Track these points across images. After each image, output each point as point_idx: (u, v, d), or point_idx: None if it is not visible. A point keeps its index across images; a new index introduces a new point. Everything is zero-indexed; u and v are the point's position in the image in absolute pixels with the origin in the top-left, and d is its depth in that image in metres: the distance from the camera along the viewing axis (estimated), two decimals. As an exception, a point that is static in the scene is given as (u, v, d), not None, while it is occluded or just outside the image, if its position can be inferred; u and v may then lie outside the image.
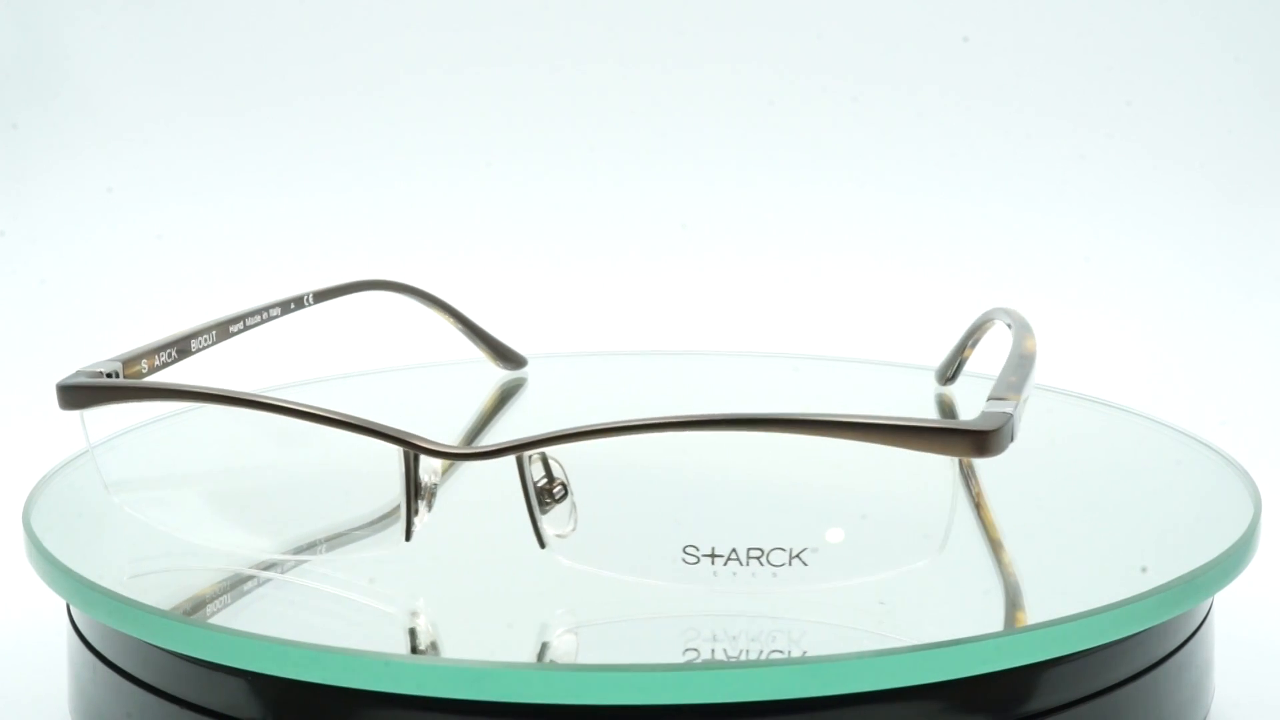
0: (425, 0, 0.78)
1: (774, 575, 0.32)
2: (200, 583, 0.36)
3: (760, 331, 0.70)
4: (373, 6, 0.78)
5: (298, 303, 0.50)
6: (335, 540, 0.38)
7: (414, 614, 0.35)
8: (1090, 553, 0.37)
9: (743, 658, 0.31)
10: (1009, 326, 0.44)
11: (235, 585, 0.36)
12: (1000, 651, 0.31)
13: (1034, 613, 0.33)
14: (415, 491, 0.33)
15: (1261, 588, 0.45)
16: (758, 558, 0.33)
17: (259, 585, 0.36)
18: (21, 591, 0.44)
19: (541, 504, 0.33)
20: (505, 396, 0.53)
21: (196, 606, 0.35)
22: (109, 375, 0.39)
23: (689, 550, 0.33)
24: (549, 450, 0.33)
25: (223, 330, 0.46)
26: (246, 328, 0.47)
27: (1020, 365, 0.37)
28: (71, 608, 0.37)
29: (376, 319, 0.62)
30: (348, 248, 0.75)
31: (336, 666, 0.30)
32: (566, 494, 0.33)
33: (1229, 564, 0.35)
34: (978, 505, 0.41)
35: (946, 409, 0.48)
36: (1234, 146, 0.74)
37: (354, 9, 0.78)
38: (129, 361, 0.42)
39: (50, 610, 0.41)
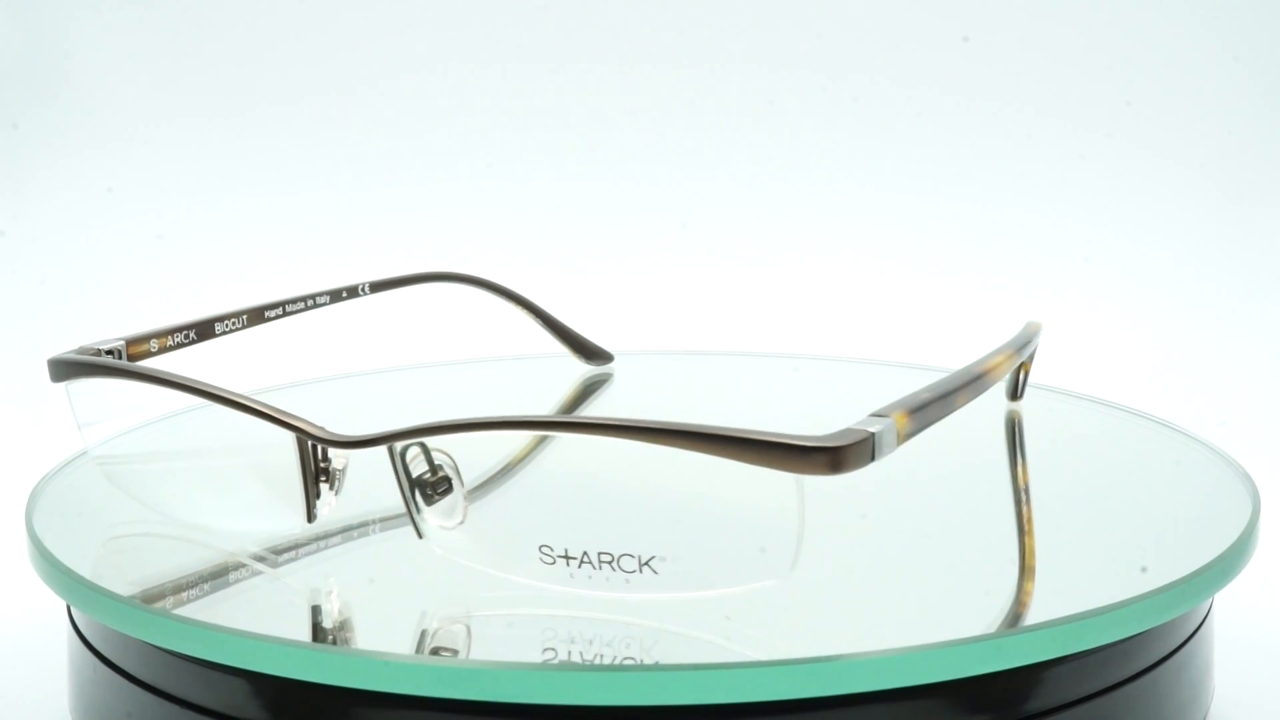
0: (425, 0, 0.78)
1: (626, 581, 0.32)
2: (199, 580, 0.36)
3: (760, 331, 0.70)
4: (373, 6, 0.78)
5: (350, 292, 0.49)
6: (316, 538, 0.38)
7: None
8: (1090, 553, 0.37)
9: (597, 661, 0.31)
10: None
11: (233, 583, 0.36)
12: (1000, 651, 0.31)
13: (1034, 613, 0.33)
14: (314, 475, 0.35)
15: (1261, 587, 0.45)
16: (609, 562, 0.32)
17: (252, 577, 0.36)
18: (22, 592, 0.44)
19: (426, 495, 0.33)
20: (589, 391, 0.53)
21: (180, 591, 0.35)
22: (109, 353, 0.40)
23: (544, 550, 0.33)
24: (429, 442, 0.33)
25: (256, 315, 0.46)
26: (286, 314, 0.47)
27: (946, 383, 0.35)
28: (72, 608, 0.37)
29: (433, 311, 0.62)
30: (348, 247, 0.75)
31: (336, 666, 0.30)
32: (450, 486, 0.33)
33: (1228, 564, 0.35)
34: (1023, 501, 0.41)
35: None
36: (1234, 146, 0.74)
37: (354, 9, 0.78)
38: (136, 340, 0.42)
39: (51, 610, 0.41)
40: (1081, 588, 0.35)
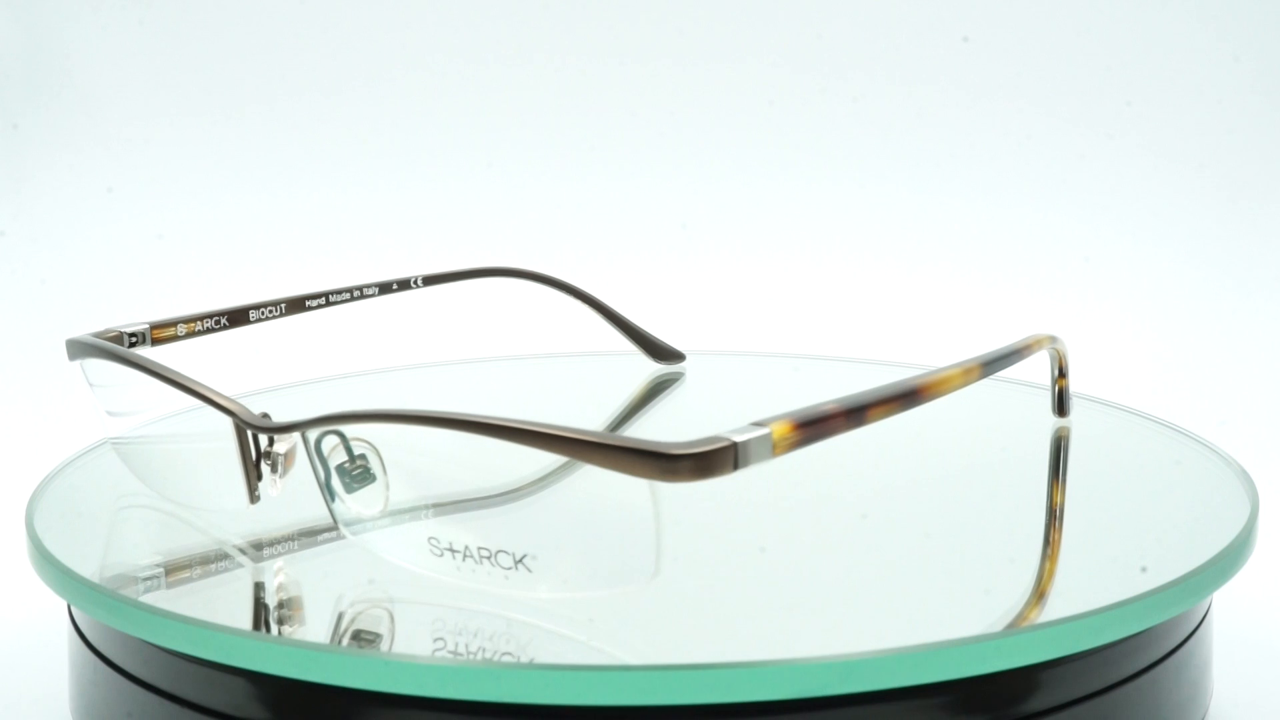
0: (425, 0, 0.78)
1: (506, 578, 0.33)
2: (200, 579, 0.36)
3: (760, 331, 0.70)
4: (372, 6, 0.78)
5: (401, 284, 0.49)
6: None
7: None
8: (1090, 552, 0.37)
9: (479, 655, 0.31)
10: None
11: (234, 583, 0.36)
12: (1000, 651, 0.31)
13: (1034, 612, 0.33)
14: (253, 459, 0.35)
15: (1260, 587, 0.45)
16: (488, 558, 0.33)
17: (251, 578, 0.36)
18: (23, 591, 0.44)
19: (346, 484, 0.34)
20: (657, 389, 0.52)
21: (180, 590, 0.35)
22: (133, 336, 0.42)
23: (432, 541, 0.33)
24: (349, 431, 0.33)
25: (295, 304, 0.46)
26: (329, 303, 0.47)
27: (863, 396, 0.34)
28: (72, 608, 0.37)
29: (494, 307, 0.62)
30: (347, 247, 0.75)
31: (336, 666, 0.30)
32: (367, 475, 0.34)
33: (1227, 563, 0.35)
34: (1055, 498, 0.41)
35: (1120, 504, 0.42)
36: (1234, 146, 0.74)
37: (354, 9, 0.78)
38: (162, 324, 0.43)
39: (51, 610, 0.41)
40: (1081, 588, 0.35)
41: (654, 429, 0.48)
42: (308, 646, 0.31)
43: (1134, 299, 0.72)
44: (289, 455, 0.35)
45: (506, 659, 0.31)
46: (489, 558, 0.33)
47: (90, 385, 0.40)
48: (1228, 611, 0.42)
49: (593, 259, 0.75)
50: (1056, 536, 0.38)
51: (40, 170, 0.75)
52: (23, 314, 0.71)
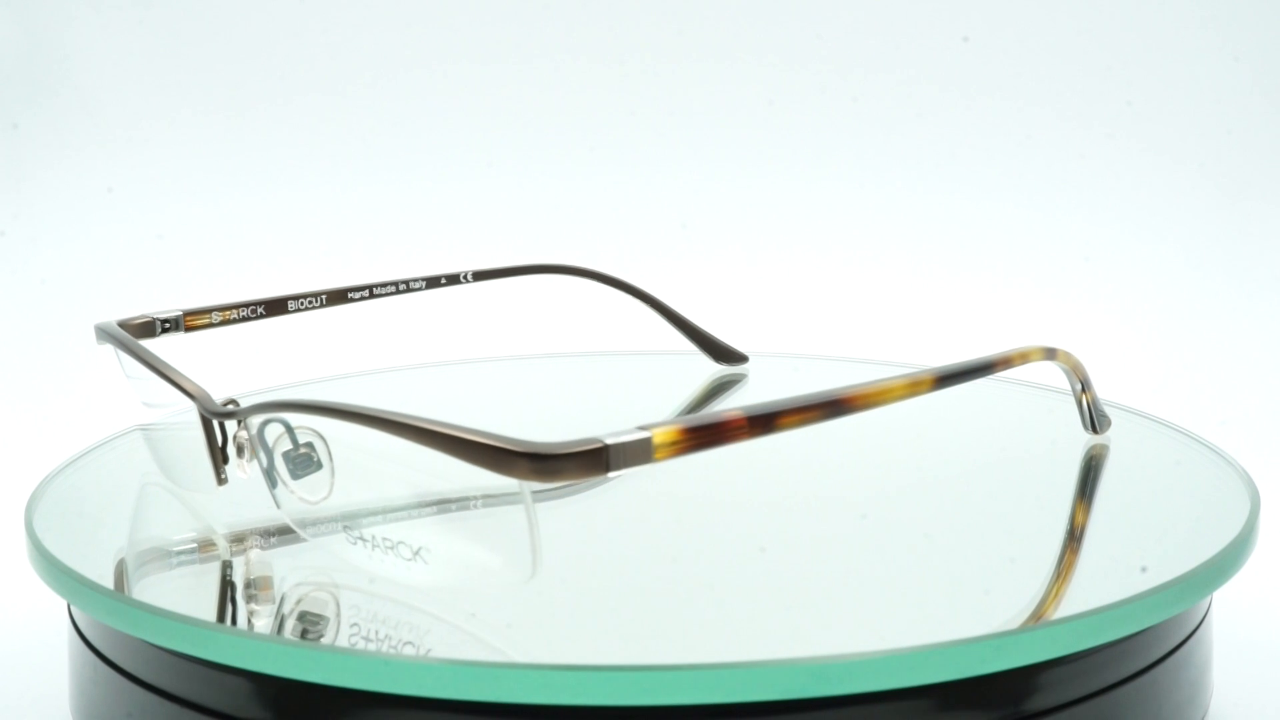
0: (426, 0, 0.78)
1: (408, 568, 0.33)
2: (199, 579, 0.36)
3: (760, 331, 0.70)
4: (372, 6, 0.78)
5: (451, 279, 0.49)
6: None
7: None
8: (1090, 552, 0.37)
9: (382, 644, 0.32)
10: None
11: (233, 582, 0.36)
12: (1000, 651, 0.31)
13: (1034, 612, 0.33)
14: (219, 443, 0.36)
15: (1260, 587, 0.45)
16: (390, 548, 0.33)
17: (254, 581, 0.36)
18: (22, 591, 0.44)
19: (291, 470, 0.35)
20: (717, 391, 0.52)
21: (180, 590, 0.35)
22: (166, 322, 0.43)
23: (348, 528, 0.34)
24: (293, 420, 0.34)
25: (337, 296, 0.46)
26: (372, 296, 0.47)
27: (762, 407, 0.33)
28: (72, 608, 0.37)
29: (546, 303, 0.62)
30: (347, 247, 0.75)
31: (336, 666, 0.30)
32: (311, 462, 0.34)
33: (1226, 563, 0.35)
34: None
35: (1116, 526, 0.41)
36: (1234, 146, 0.74)
37: (353, 8, 0.78)
38: (196, 312, 0.43)
39: (51, 610, 0.41)
40: (1081, 587, 0.35)
41: (820, 447, 0.47)
42: (308, 647, 0.31)
43: (1134, 299, 0.72)
44: (253, 440, 0.35)
45: (408, 649, 0.31)
46: (392, 548, 0.33)
47: (126, 378, 0.41)
48: (1228, 611, 0.42)
49: (592, 259, 0.75)
50: (1056, 537, 0.38)
51: (40, 170, 0.75)
52: (23, 314, 0.71)
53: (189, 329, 0.44)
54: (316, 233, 0.75)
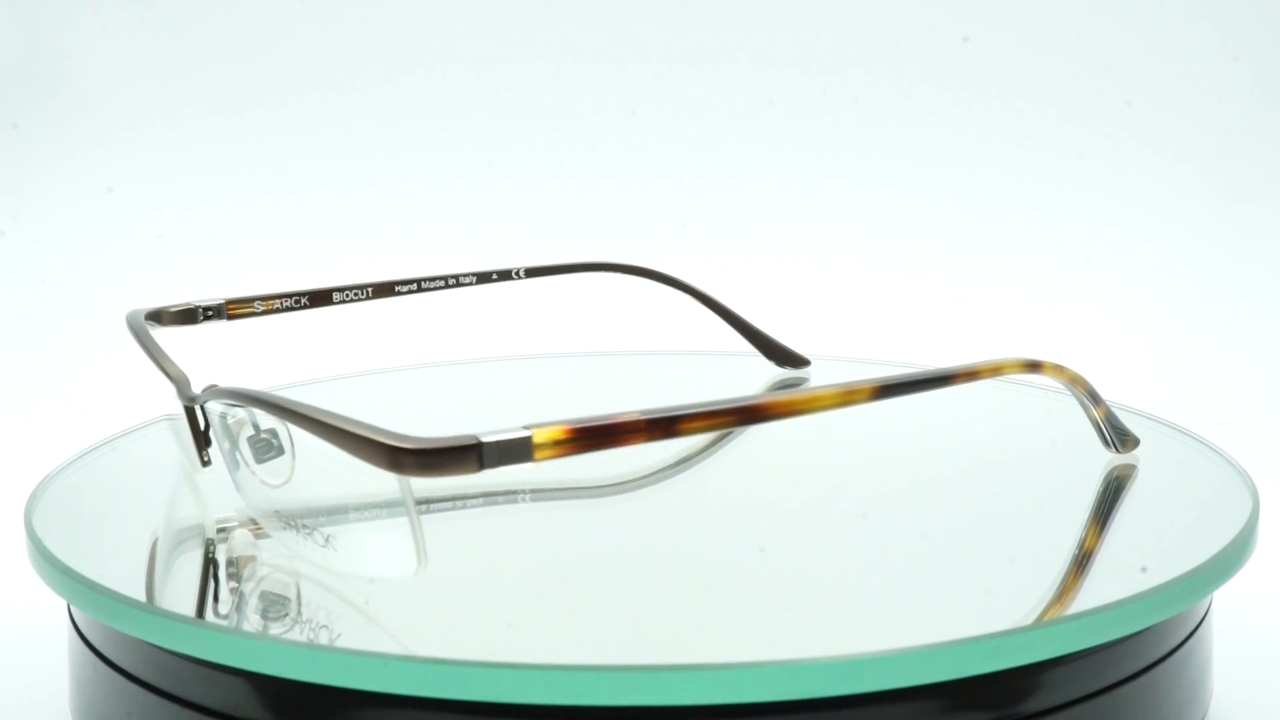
0: (426, 0, 0.78)
1: (324, 554, 0.34)
2: (200, 578, 0.36)
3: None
4: (372, 6, 0.78)
5: (502, 275, 0.48)
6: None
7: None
8: (1090, 552, 0.37)
9: (293, 629, 0.33)
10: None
11: (234, 582, 0.36)
12: (1000, 651, 0.31)
13: (1033, 612, 0.33)
14: (199, 427, 0.37)
15: (1260, 587, 0.45)
16: (309, 533, 0.34)
17: (251, 576, 0.36)
18: (22, 592, 0.44)
19: (256, 454, 0.36)
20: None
21: (180, 590, 0.35)
22: (208, 310, 0.44)
23: (279, 513, 0.35)
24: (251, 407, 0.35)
25: (384, 288, 0.46)
26: (420, 289, 0.47)
27: (661, 411, 0.32)
28: (72, 608, 0.37)
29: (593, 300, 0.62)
30: (348, 247, 0.75)
31: (336, 666, 0.30)
32: (273, 447, 0.35)
33: (1227, 563, 0.35)
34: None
35: (1121, 504, 0.41)
36: (1234, 146, 0.74)
37: (353, 8, 0.78)
38: (239, 301, 0.44)
39: (51, 610, 0.41)
40: (1082, 587, 0.35)
41: (746, 441, 0.47)
42: (308, 647, 0.31)
43: (1134, 299, 0.72)
44: (215, 426, 0.37)
45: (323, 631, 0.32)
46: (309, 533, 0.34)
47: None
48: (1228, 611, 0.42)
49: (592, 259, 0.75)
50: (1057, 536, 0.38)
51: (40, 170, 0.75)
52: (23, 314, 0.71)
53: (231, 317, 0.44)
54: (317, 233, 0.75)
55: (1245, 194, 0.74)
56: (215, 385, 0.36)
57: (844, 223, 0.76)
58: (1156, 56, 0.76)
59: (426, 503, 0.40)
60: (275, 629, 0.33)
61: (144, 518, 0.41)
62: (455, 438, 0.30)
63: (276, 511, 0.35)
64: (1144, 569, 0.35)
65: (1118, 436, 0.42)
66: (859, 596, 0.35)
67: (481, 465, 0.30)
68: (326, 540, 0.34)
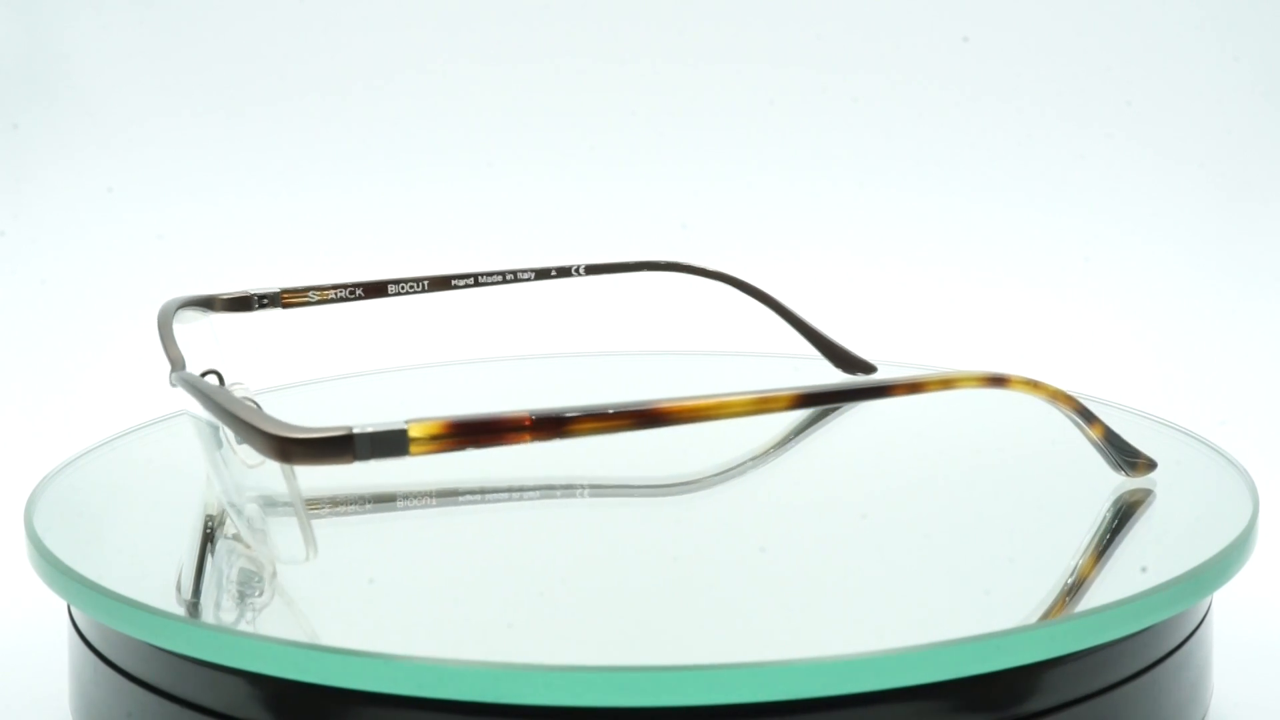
0: (426, 0, 0.78)
1: (251, 542, 0.36)
2: (199, 579, 0.36)
3: (760, 332, 0.70)
4: (372, 5, 0.78)
5: (561, 271, 0.48)
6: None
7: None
8: (1090, 552, 0.37)
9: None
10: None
11: (233, 582, 0.36)
12: (1000, 651, 0.31)
13: (1033, 612, 0.33)
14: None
15: (1260, 587, 0.45)
16: (243, 518, 0.36)
17: (251, 575, 0.36)
18: (22, 592, 0.44)
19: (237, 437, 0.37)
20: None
21: (179, 590, 0.36)
22: (263, 298, 0.44)
23: (232, 504, 0.37)
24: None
25: (439, 282, 0.46)
26: (478, 284, 0.47)
27: (549, 411, 0.32)
28: (72, 608, 0.37)
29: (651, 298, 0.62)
30: (348, 247, 0.75)
31: (336, 666, 0.30)
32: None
33: (1227, 563, 0.35)
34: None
35: (1120, 504, 0.40)
36: (1234, 146, 0.74)
37: (353, 8, 0.78)
38: (294, 290, 0.45)
39: (51, 610, 0.41)
40: (1082, 587, 0.35)
41: (821, 448, 0.47)
42: (308, 647, 0.31)
43: (1134, 299, 0.72)
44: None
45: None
46: (243, 518, 0.36)
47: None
48: (1228, 611, 0.42)
49: (592, 260, 0.75)
50: (1056, 537, 0.38)
51: (40, 170, 0.75)
52: (23, 314, 0.71)
53: (286, 305, 0.45)
54: (317, 233, 0.75)
55: (1245, 194, 0.74)
56: (214, 371, 0.38)
57: (844, 223, 0.76)
58: (1156, 56, 0.76)
59: (482, 492, 0.41)
60: (254, 606, 0.34)
61: (144, 518, 0.41)
62: (330, 428, 0.31)
63: (247, 494, 0.36)
64: (1144, 569, 0.35)
65: (1124, 459, 0.39)
66: (859, 596, 0.35)
67: (355, 456, 0.30)
68: (249, 523, 0.35)
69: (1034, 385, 0.37)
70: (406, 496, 0.41)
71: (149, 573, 0.37)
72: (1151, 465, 0.39)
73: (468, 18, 0.77)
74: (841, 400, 0.34)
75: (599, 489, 0.42)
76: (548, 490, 0.42)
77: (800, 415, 0.48)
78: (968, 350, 0.68)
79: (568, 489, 0.42)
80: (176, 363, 0.37)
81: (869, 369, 0.50)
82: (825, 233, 0.76)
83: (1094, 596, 0.34)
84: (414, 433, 0.31)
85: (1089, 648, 0.32)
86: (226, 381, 0.40)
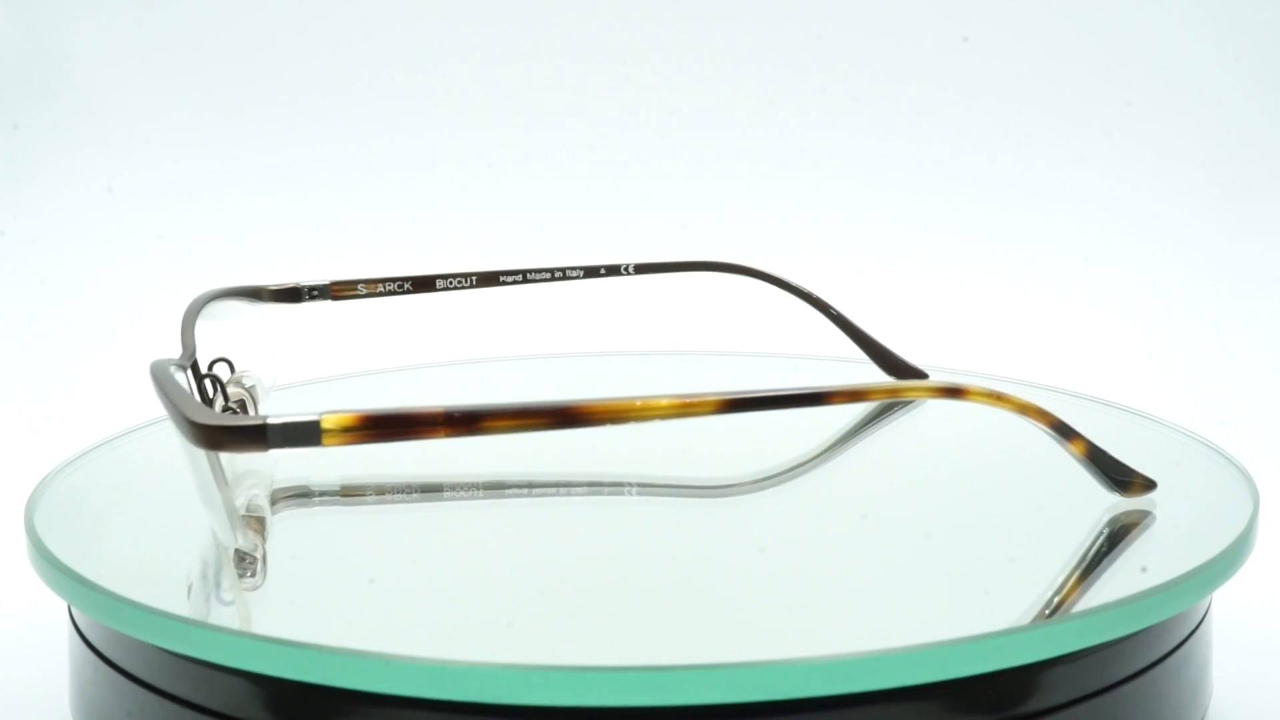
0: (426, 0, 0.78)
1: (210, 520, 0.36)
2: (199, 579, 0.36)
3: (760, 331, 0.70)
4: (373, 5, 0.78)
5: (610, 270, 0.48)
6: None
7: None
8: (1090, 552, 0.37)
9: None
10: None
11: (234, 581, 0.36)
12: (1000, 651, 0.31)
13: (1033, 612, 0.33)
14: (208, 394, 0.39)
15: (1260, 587, 0.45)
16: (210, 507, 0.36)
17: (250, 576, 0.36)
18: (22, 592, 0.44)
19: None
20: (889, 408, 0.48)
21: (180, 590, 0.36)
22: (312, 290, 0.46)
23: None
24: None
25: (488, 278, 0.47)
26: (526, 280, 0.47)
27: (466, 408, 0.32)
28: (72, 608, 0.37)
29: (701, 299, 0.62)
30: (349, 247, 0.75)
31: (336, 666, 0.30)
32: (237, 416, 0.36)
33: (1227, 563, 0.35)
34: None
35: (1116, 526, 0.38)
36: (1234, 146, 0.74)
37: (353, 8, 0.78)
38: (343, 283, 0.46)
39: (51, 610, 0.41)
40: (1081, 587, 0.35)
41: (875, 455, 0.46)
42: (308, 647, 0.31)
43: (1134, 299, 0.72)
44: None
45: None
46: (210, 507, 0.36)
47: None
48: (1228, 611, 0.42)
49: (592, 260, 0.75)
50: (1056, 537, 0.38)
51: (40, 170, 0.75)
52: (23, 314, 0.71)
53: (335, 298, 0.46)
54: (317, 233, 0.75)
55: (1245, 194, 0.74)
56: (224, 359, 0.39)
57: (843, 222, 0.76)
58: (1156, 56, 0.76)
59: (529, 486, 0.41)
60: (248, 584, 0.35)
61: (144, 518, 0.41)
62: (245, 417, 0.32)
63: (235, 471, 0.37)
64: (1144, 569, 0.35)
65: (1115, 477, 0.37)
66: (859, 596, 0.35)
67: (268, 445, 0.31)
68: (207, 504, 0.35)
69: (997, 398, 0.34)
70: (454, 487, 0.41)
71: (149, 573, 0.37)
72: (1149, 485, 0.37)
73: (466, 18, 0.77)
74: (772, 406, 0.33)
75: (648, 488, 0.42)
76: (595, 487, 0.42)
77: (860, 415, 0.47)
78: (968, 350, 0.68)
79: (616, 486, 0.42)
80: (186, 353, 0.38)
81: (919, 376, 0.49)
82: (824, 232, 0.76)
83: (1094, 596, 0.34)
84: (326, 424, 0.32)
85: (1089, 648, 0.32)
86: (236, 370, 0.41)
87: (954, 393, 0.34)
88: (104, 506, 0.41)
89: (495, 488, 0.41)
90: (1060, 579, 0.35)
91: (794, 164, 0.77)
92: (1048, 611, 0.33)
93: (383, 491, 0.41)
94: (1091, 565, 0.36)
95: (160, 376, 0.34)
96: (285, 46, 0.77)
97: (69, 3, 0.75)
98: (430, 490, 0.41)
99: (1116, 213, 0.75)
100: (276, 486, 0.41)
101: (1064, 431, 0.36)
